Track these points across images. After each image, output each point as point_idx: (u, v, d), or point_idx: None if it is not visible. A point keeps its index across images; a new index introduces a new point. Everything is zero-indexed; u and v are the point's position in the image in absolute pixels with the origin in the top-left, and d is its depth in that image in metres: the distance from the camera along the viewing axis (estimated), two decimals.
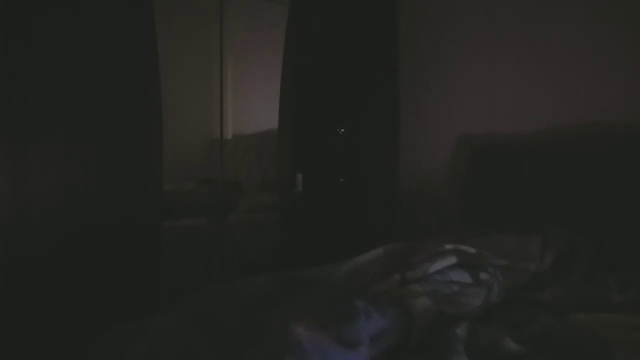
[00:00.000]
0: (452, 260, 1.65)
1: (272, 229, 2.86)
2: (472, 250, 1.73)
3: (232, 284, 1.67)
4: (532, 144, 2.56)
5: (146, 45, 2.20)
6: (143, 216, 2.21)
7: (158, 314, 1.50)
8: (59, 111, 2.00)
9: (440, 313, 1.38)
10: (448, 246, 1.72)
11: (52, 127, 1.99)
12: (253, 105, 2.94)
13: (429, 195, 3.00)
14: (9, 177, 1.91)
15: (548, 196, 2.39)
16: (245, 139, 2.96)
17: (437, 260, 1.63)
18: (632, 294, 1.64)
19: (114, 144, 2.13)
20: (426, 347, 1.28)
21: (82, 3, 2.04)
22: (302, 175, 2.94)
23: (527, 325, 1.39)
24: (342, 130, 3.08)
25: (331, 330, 1.19)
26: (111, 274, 2.09)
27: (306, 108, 2.92)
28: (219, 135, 2.73)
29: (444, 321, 1.35)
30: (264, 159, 3.00)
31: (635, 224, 2.15)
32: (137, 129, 2.19)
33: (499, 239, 1.95)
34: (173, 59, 2.38)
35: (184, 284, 2.46)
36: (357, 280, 1.65)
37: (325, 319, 1.23)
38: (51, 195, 1.99)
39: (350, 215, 2.99)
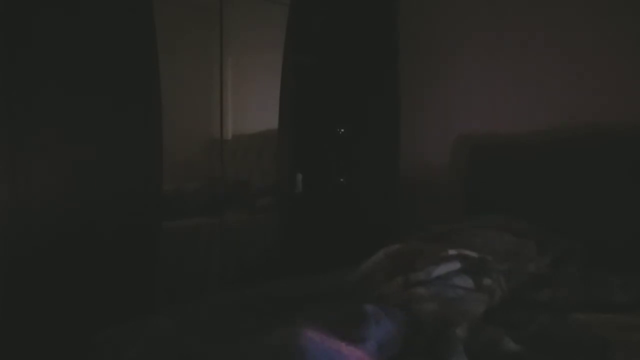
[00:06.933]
0: (456, 265, 1.65)
1: (271, 230, 2.86)
2: (475, 254, 1.73)
3: (236, 293, 1.67)
4: (532, 144, 2.56)
5: (146, 45, 2.20)
6: (143, 216, 2.21)
7: (157, 314, 1.50)
8: (59, 111, 2.00)
9: (445, 317, 1.38)
10: (452, 251, 1.72)
11: (52, 127, 1.99)
12: (253, 105, 2.93)
13: (429, 195, 3.00)
14: (9, 177, 1.91)
15: (548, 196, 2.39)
16: (245, 139, 2.95)
17: (441, 264, 1.63)
18: (634, 294, 1.64)
19: (114, 144, 2.13)
20: (427, 348, 1.28)
21: (83, 3, 2.04)
22: (302, 176, 2.94)
23: (527, 325, 1.39)
24: (342, 130, 3.08)
25: (339, 334, 1.17)
26: (111, 274, 2.09)
27: (306, 108, 2.92)
28: (219, 135, 2.72)
29: (446, 322, 1.35)
30: (264, 159, 2.99)
31: (636, 223, 2.15)
32: (137, 129, 2.18)
33: (496, 236, 1.95)
34: (173, 59, 2.38)
35: (183, 284, 2.47)
36: (365, 286, 1.65)
37: (333, 323, 1.22)
38: (51, 195, 1.99)
39: (351, 215, 2.99)
